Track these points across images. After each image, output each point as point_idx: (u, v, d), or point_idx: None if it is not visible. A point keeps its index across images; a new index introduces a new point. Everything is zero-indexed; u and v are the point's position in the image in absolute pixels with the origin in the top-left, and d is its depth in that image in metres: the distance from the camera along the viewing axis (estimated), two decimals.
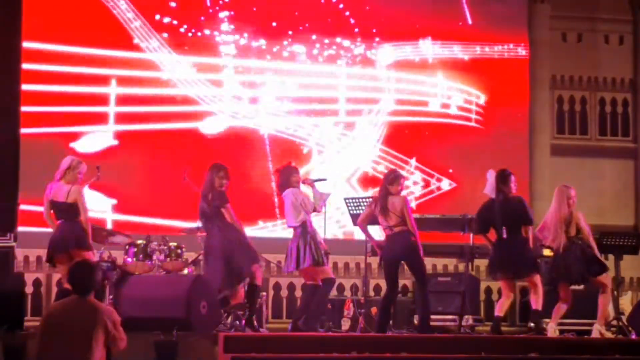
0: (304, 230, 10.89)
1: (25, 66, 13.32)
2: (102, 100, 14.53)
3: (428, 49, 15.74)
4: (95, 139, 14.45)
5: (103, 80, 14.58)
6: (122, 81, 14.61)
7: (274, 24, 15.19)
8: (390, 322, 11.45)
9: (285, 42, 15.22)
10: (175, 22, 14.85)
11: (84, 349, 7.34)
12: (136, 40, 14.67)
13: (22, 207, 13.63)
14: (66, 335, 7.37)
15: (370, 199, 11.31)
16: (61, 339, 7.37)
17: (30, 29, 13.61)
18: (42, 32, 14.28)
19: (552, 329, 10.94)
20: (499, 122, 15.83)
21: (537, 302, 10.98)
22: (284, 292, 14.90)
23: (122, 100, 14.63)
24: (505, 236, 10.96)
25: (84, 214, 10.67)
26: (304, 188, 11.17)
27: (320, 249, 10.90)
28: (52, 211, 10.88)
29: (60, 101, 14.44)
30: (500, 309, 11.09)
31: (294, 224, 10.96)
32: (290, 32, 15.24)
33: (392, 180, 10.94)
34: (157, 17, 14.77)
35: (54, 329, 7.42)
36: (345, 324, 12.77)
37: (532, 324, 11.43)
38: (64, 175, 10.78)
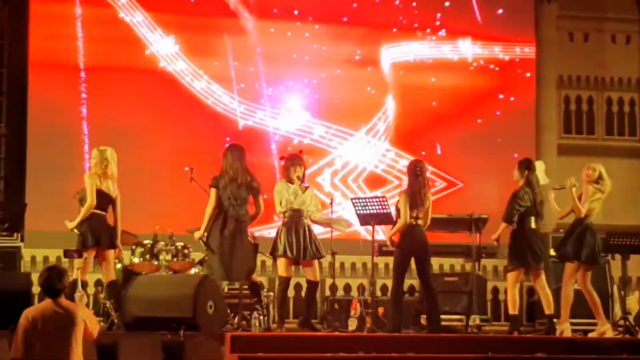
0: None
1: None
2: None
3: (435, 48, 15.73)
4: None
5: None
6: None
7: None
8: None
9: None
10: None
11: (65, 349, 7.62)
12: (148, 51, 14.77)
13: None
14: (47, 338, 7.64)
15: (380, 198, 11.37)
16: (42, 342, 7.63)
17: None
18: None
19: (568, 329, 10.94)
20: (505, 121, 15.81)
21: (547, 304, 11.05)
22: (291, 292, 14.87)
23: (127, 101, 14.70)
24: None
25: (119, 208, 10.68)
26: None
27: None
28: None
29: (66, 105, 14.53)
30: (515, 306, 11.11)
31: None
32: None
33: (425, 169, 11.07)
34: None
35: (34, 333, 7.67)
36: (352, 324, 12.76)
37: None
38: (105, 168, 10.65)
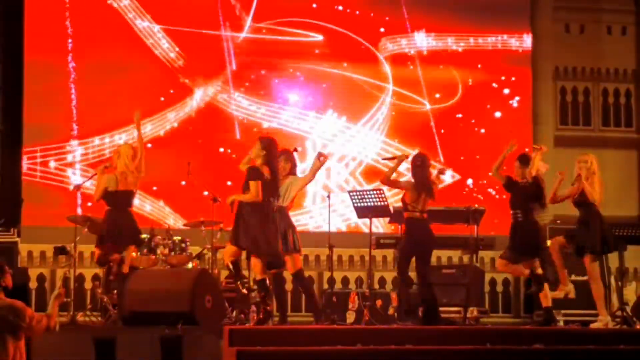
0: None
1: None
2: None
3: (432, 40, 15.73)
4: None
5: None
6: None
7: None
8: (395, 314, 11.44)
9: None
10: None
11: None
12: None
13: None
14: None
15: (377, 191, 11.35)
16: None
17: None
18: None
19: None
20: (502, 113, 15.81)
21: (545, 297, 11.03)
22: (288, 286, 14.81)
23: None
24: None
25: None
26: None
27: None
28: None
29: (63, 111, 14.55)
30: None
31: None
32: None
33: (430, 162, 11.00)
34: None
35: None
36: (350, 317, 12.77)
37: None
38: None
